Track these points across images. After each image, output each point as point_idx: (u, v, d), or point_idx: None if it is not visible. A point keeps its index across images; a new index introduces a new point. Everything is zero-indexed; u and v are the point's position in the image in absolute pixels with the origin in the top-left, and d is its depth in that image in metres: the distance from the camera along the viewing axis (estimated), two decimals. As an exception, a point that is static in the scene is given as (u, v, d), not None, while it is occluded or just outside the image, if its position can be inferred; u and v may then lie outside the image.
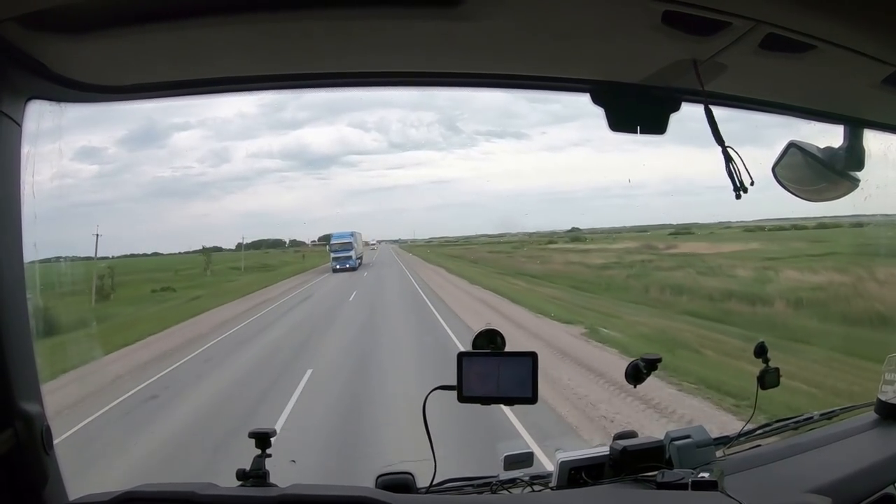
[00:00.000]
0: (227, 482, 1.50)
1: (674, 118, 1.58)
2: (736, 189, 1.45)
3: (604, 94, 1.54)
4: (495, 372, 1.49)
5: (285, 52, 1.41)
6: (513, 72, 1.53)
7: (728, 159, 1.44)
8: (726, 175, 1.45)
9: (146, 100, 1.59)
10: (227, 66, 1.46)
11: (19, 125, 1.40)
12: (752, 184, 1.44)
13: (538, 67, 1.51)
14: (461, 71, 1.53)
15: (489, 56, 1.44)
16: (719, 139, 1.44)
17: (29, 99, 1.41)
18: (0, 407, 1.32)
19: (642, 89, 1.52)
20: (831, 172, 1.72)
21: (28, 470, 1.35)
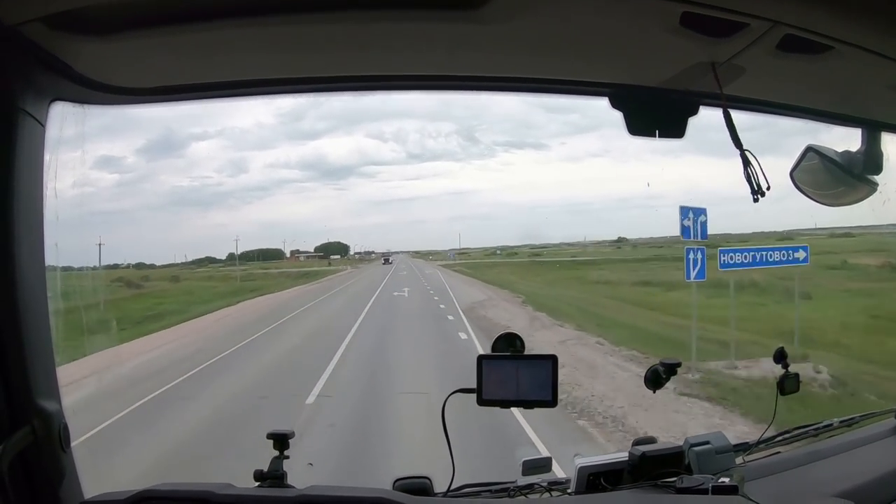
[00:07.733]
0: (246, 482, 1.49)
1: (694, 126, 1.59)
2: (754, 193, 1.45)
3: (622, 98, 1.54)
4: (514, 375, 1.48)
5: (307, 55, 1.43)
6: (532, 75, 1.54)
7: (746, 163, 1.44)
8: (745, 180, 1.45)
9: (168, 102, 1.60)
10: (250, 69, 1.48)
11: (43, 126, 1.41)
12: (768, 188, 1.44)
13: (557, 71, 1.52)
14: (480, 74, 1.54)
15: (508, 59, 1.45)
16: (737, 142, 1.44)
17: (53, 100, 1.42)
18: (19, 404, 1.32)
19: (661, 93, 1.52)
20: (849, 176, 1.71)
21: (45, 467, 1.34)
